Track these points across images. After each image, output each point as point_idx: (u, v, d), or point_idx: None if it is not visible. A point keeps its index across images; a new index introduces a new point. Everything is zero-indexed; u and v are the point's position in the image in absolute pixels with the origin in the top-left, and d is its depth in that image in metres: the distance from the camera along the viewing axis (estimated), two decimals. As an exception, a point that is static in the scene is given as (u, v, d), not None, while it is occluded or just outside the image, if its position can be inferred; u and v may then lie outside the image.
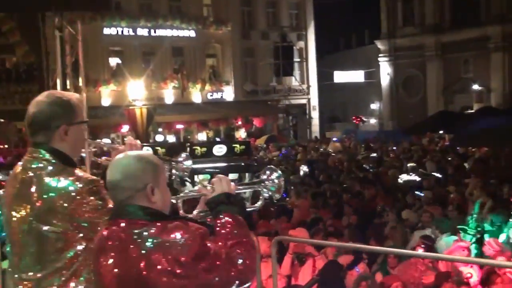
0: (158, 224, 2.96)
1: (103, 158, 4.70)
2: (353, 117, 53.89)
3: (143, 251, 2.88)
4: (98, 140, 5.50)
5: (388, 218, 12.68)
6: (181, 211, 3.70)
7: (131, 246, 2.92)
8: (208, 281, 2.90)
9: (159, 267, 2.84)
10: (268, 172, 3.68)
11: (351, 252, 9.44)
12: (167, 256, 2.85)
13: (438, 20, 50.22)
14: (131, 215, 3.02)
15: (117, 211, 3.09)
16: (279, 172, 3.69)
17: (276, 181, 3.65)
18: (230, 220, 3.19)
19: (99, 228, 3.28)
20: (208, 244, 2.96)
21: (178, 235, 2.90)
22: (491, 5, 46.85)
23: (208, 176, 18.85)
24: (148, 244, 2.90)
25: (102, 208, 3.44)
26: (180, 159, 4.27)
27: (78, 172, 3.54)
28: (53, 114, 3.57)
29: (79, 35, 17.05)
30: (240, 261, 3.00)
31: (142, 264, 2.87)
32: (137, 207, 3.03)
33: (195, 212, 3.65)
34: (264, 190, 3.68)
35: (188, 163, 4.32)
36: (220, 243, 3.05)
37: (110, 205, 3.35)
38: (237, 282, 3.02)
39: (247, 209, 3.48)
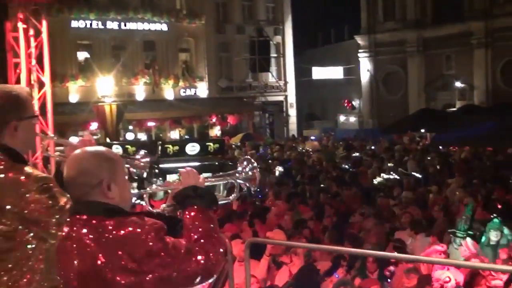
0: (114, 220, 3.02)
1: (56, 153, 4.67)
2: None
3: (99, 248, 2.95)
4: (51, 135, 5.47)
5: (364, 222, 12.72)
6: (148, 206, 3.75)
7: (88, 242, 2.98)
8: (166, 276, 2.94)
9: (115, 263, 2.91)
10: (244, 163, 3.73)
11: (329, 257, 9.44)
12: (122, 252, 2.92)
13: (420, 15, 50.47)
14: (88, 212, 3.07)
15: (75, 208, 3.15)
16: (255, 163, 3.73)
17: (250, 172, 3.70)
18: (196, 213, 3.23)
19: (52, 227, 3.27)
20: (166, 239, 3.01)
21: (132, 231, 2.97)
22: (474, 0, 47.17)
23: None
24: (103, 240, 2.96)
25: (53, 206, 3.41)
26: (137, 156, 4.25)
27: (28, 169, 3.52)
28: (1, 109, 3.52)
29: (44, 28, 16.87)
30: (201, 256, 3.04)
31: (99, 261, 2.93)
32: (93, 203, 3.09)
33: (162, 206, 3.67)
34: (239, 181, 3.72)
35: (146, 160, 4.30)
36: (183, 237, 3.12)
37: (62, 203, 3.34)
38: (199, 277, 3.05)
39: (219, 202, 3.53)
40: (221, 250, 3.19)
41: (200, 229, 3.15)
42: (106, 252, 2.93)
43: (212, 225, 3.20)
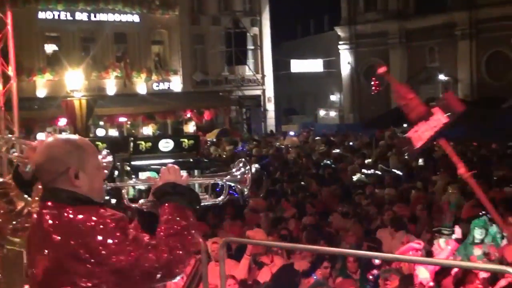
0: (76, 208, 3.10)
1: (14, 154, 4.65)
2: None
3: (57, 235, 3.04)
4: (9, 136, 5.46)
5: (343, 221, 12.80)
6: (126, 200, 3.78)
7: (50, 230, 3.07)
8: (122, 269, 3.00)
9: (71, 251, 2.99)
10: (239, 166, 3.75)
11: (308, 257, 9.47)
12: (79, 241, 2.99)
13: (402, 5, 50.61)
14: (53, 198, 3.17)
15: (43, 194, 3.23)
16: (248, 167, 3.75)
17: (240, 176, 3.72)
18: (172, 210, 3.28)
19: (10, 232, 3.29)
20: (126, 231, 3.09)
21: (91, 220, 3.04)
22: (457, -10, 47.42)
23: (155, 175, 18.81)
24: (61, 228, 3.06)
25: (10, 211, 3.42)
26: (99, 156, 4.25)
27: None
28: None
29: (9, 19, 16.75)
30: (165, 253, 3.09)
31: (57, 249, 3.02)
32: (59, 190, 3.18)
33: (141, 201, 3.69)
34: (229, 183, 3.74)
35: (109, 160, 4.31)
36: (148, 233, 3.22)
37: (19, 208, 3.36)
38: (159, 274, 3.10)
39: (206, 203, 3.66)
40: (191, 250, 3.23)
41: (173, 226, 3.20)
42: (64, 240, 3.02)
43: (186, 224, 3.24)
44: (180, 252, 3.13)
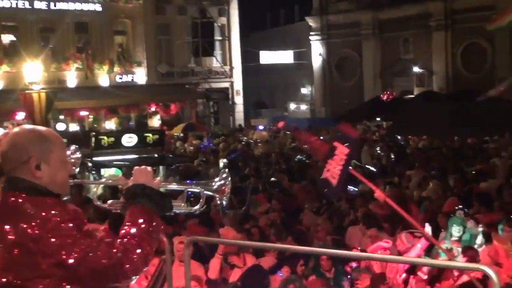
0: (31, 198, 3.18)
1: None
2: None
3: (9, 224, 3.11)
4: None
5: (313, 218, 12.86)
6: (96, 200, 3.91)
7: (5, 218, 3.15)
8: (66, 263, 3.04)
9: (20, 241, 3.05)
10: (221, 177, 3.77)
11: (274, 254, 9.52)
12: (28, 231, 3.05)
13: (376, -6, 50.90)
14: (14, 187, 3.25)
15: (5, 183, 3.31)
16: (229, 178, 3.78)
17: (215, 187, 3.74)
18: (137, 212, 3.33)
19: None
20: (78, 226, 3.17)
21: (41, 212, 3.12)
22: (432, -21, 47.73)
23: (119, 171, 18.72)
24: (14, 217, 3.13)
25: None
26: (68, 152, 4.23)
27: None
28: None
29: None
30: (119, 253, 3.13)
31: (9, 238, 3.10)
32: (18, 179, 3.26)
33: (109, 202, 3.75)
34: (207, 193, 3.75)
35: (77, 156, 4.29)
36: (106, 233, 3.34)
37: None
38: (108, 273, 3.13)
39: (179, 210, 3.74)
40: (149, 257, 3.28)
41: (134, 228, 3.25)
42: (15, 230, 3.08)
43: (149, 227, 3.29)
44: (135, 255, 3.17)
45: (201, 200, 3.79)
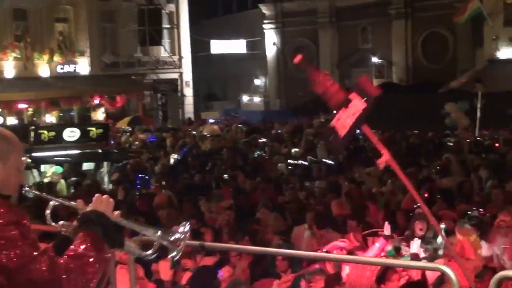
0: None
1: None
2: None
3: None
4: None
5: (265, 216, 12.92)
6: (49, 220, 3.81)
7: None
8: (6, 266, 3.07)
9: None
10: (181, 230, 3.74)
11: (216, 253, 9.57)
12: None
13: (333, -20, 51.13)
14: None
15: None
16: (188, 233, 3.77)
17: (172, 239, 3.70)
18: (86, 237, 3.38)
19: None
20: (26, 234, 3.20)
21: None
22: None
23: (60, 168, 18.57)
24: None
25: None
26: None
27: None
28: None
29: None
30: (61, 271, 3.17)
31: None
32: None
33: (60, 223, 3.77)
34: (162, 241, 3.71)
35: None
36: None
37: None
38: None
39: (130, 249, 3.79)
40: (90, 285, 3.31)
41: (81, 252, 3.29)
42: None
43: (95, 255, 3.32)
44: (78, 278, 3.22)
45: (153, 247, 3.77)
